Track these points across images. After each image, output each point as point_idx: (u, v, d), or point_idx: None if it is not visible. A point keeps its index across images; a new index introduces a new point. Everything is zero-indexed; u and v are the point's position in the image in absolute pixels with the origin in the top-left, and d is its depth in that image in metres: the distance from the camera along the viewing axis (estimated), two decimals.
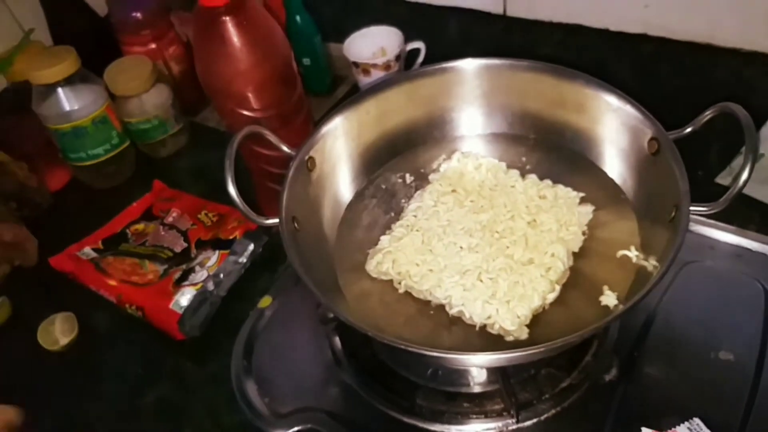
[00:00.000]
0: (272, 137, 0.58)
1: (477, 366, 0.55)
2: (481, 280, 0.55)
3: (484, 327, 0.53)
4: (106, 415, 0.66)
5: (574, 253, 0.57)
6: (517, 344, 0.51)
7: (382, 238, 0.60)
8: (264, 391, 0.59)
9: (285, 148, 0.59)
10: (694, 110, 0.54)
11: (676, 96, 0.77)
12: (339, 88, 0.96)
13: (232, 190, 0.53)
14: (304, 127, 0.71)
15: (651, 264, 0.51)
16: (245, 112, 0.67)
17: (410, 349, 0.45)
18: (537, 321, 0.53)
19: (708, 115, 0.52)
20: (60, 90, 0.83)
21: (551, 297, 0.54)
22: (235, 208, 0.76)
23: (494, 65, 0.63)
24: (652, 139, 0.55)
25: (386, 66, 0.87)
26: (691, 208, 0.49)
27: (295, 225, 0.55)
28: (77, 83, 0.84)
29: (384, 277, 0.58)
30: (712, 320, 0.58)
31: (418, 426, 0.55)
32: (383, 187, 0.65)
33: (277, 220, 0.53)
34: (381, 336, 0.46)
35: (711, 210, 0.49)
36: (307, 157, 0.59)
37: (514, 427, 0.53)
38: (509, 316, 0.53)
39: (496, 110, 0.65)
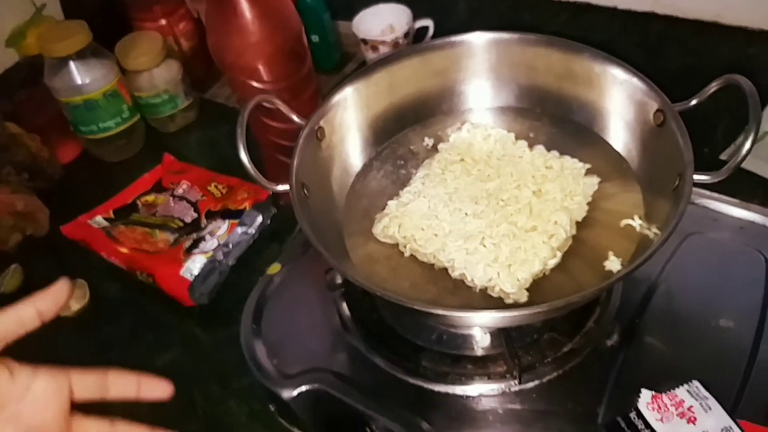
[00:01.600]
0: (283, 107, 0.59)
1: (480, 325, 0.56)
2: (484, 245, 0.56)
3: (485, 290, 0.55)
4: None
5: (577, 223, 0.58)
6: (517, 306, 0.52)
7: (389, 203, 0.61)
8: (272, 353, 0.60)
9: (295, 118, 0.60)
10: (699, 88, 0.55)
11: (682, 74, 0.77)
12: (347, 66, 0.97)
13: (244, 156, 0.54)
14: (313, 101, 0.72)
15: (653, 232, 0.52)
16: (256, 84, 0.68)
17: (416, 307, 0.46)
18: (537, 285, 0.54)
19: (713, 87, 0.53)
20: (72, 63, 0.84)
21: (552, 263, 0.55)
22: (244, 180, 0.79)
23: (503, 39, 0.63)
24: (657, 110, 0.56)
25: (395, 43, 0.88)
26: (694, 176, 0.49)
27: (305, 192, 0.56)
28: (89, 57, 0.85)
29: (390, 241, 0.59)
30: (713, 290, 0.59)
31: (423, 386, 0.56)
32: (391, 157, 0.66)
33: (287, 187, 0.54)
34: (389, 295, 0.47)
35: (713, 179, 0.49)
36: (317, 127, 0.60)
37: (517, 388, 0.55)
38: (510, 279, 0.54)
39: (504, 84, 0.66)
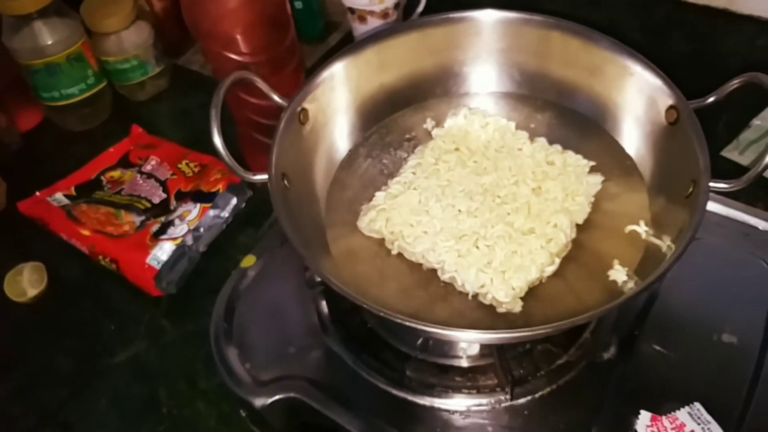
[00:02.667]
0: (263, 85, 0.54)
1: (472, 342, 0.52)
2: (478, 247, 0.52)
3: (476, 296, 0.51)
4: (77, 372, 0.63)
5: (578, 226, 0.54)
6: (510, 317, 0.49)
7: (377, 194, 0.57)
8: (245, 356, 0.56)
9: (276, 98, 0.54)
10: (705, 78, 0.52)
11: (686, 62, 0.74)
12: (332, 35, 0.91)
13: (217, 141, 0.48)
14: (296, 76, 0.66)
15: (665, 244, 0.48)
16: (233, 56, 0.62)
17: (406, 323, 0.42)
18: (532, 294, 0.51)
19: (734, 84, 0.49)
20: (33, 23, 0.77)
21: (549, 270, 0.51)
22: (218, 159, 0.73)
23: (509, 19, 0.58)
24: (670, 107, 0.52)
25: (384, 14, 0.82)
26: (711, 184, 0.45)
27: (285, 182, 0.51)
28: (52, 16, 0.78)
29: (376, 236, 0.55)
30: (716, 301, 0.56)
31: (407, 399, 0.52)
32: (380, 143, 0.61)
33: (266, 176, 0.49)
34: (373, 306, 0.43)
35: (732, 187, 0.46)
36: (300, 109, 0.55)
37: (507, 404, 0.51)
38: (503, 287, 0.50)
39: (505, 68, 0.61)
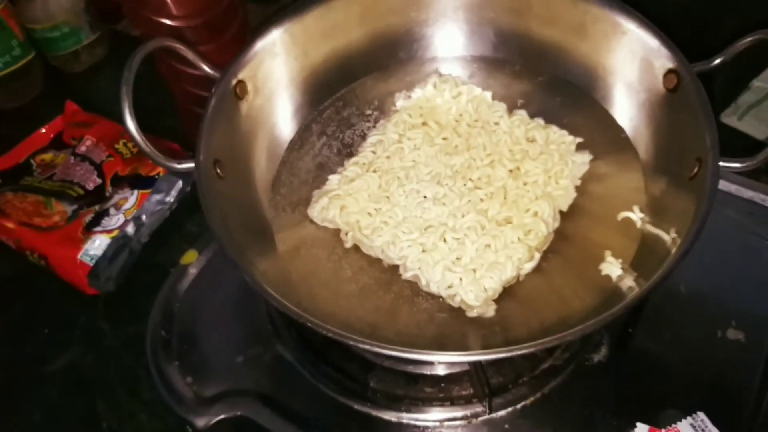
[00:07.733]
0: (189, 53, 0.46)
1: (444, 363, 0.46)
2: (445, 240, 0.46)
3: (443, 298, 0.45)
4: (7, 382, 0.57)
5: (561, 213, 0.47)
6: (484, 321, 0.43)
7: (331, 177, 0.51)
8: (186, 368, 0.49)
9: (207, 68, 0.46)
10: (701, 35, 0.48)
11: (683, 14, 0.66)
12: None
13: (130, 124, 0.41)
14: (238, 41, 0.58)
15: (669, 235, 0.42)
16: (164, 21, 0.54)
17: (361, 345, 0.36)
18: (509, 293, 0.45)
19: (744, 43, 0.43)
20: None
21: (528, 267, 0.45)
22: (162, 137, 0.66)
23: None
24: (670, 71, 0.45)
25: None
26: (721, 164, 0.39)
27: (218, 170, 0.44)
28: None
29: (330, 226, 0.48)
30: (720, 291, 0.50)
31: (371, 414, 0.46)
32: (336, 119, 0.54)
33: (192, 165, 0.42)
34: (325, 327, 0.36)
35: (746, 167, 0.39)
36: (235, 81, 0.47)
37: (485, 417, 0.45)
38: (473, 288, 0.44)
39: (478, 28, 0.54)
